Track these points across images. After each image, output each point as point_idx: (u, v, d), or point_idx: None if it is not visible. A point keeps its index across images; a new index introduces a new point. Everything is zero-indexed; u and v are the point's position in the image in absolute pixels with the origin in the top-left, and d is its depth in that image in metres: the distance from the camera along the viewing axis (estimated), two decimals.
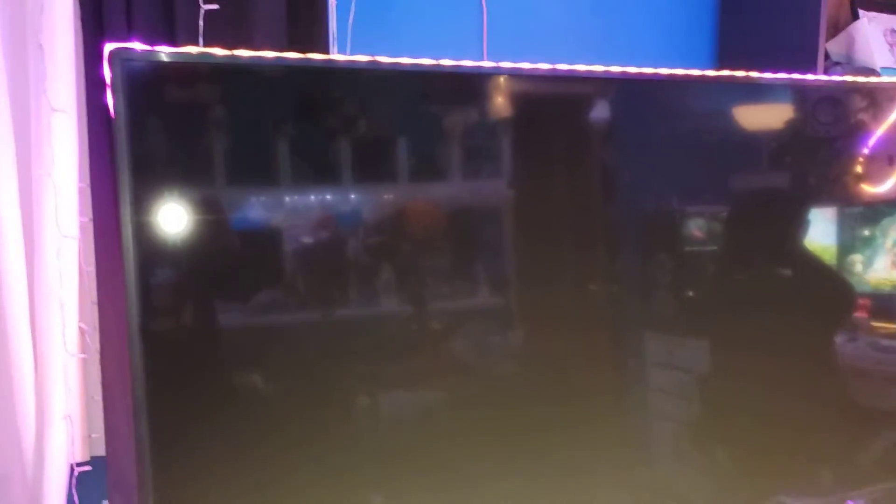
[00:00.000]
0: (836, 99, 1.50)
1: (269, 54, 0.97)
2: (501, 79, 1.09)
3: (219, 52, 0.94)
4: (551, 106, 1.18)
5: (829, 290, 1.50)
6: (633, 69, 1.19)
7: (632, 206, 1.29)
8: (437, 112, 1.10)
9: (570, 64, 1.12)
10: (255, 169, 1.02)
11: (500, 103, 1.12)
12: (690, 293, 1.35)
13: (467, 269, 1.14)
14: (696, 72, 1.33)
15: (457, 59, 1.06)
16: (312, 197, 1.06)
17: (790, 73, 1.44)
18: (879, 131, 1.46)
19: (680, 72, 1.26)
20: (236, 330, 1.02)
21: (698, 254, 1.35)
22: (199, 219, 0.95)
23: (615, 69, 1.17)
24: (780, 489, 1.42)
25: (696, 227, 1.36)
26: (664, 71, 1.23)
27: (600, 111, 1.22)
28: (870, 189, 1.49)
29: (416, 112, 1.10)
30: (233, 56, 0.94)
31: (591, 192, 1.25)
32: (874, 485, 1.51)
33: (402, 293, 1.12)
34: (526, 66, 1.08)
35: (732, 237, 1.38)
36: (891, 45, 2.02)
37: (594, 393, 1.24)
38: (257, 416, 1.02)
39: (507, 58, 1.10)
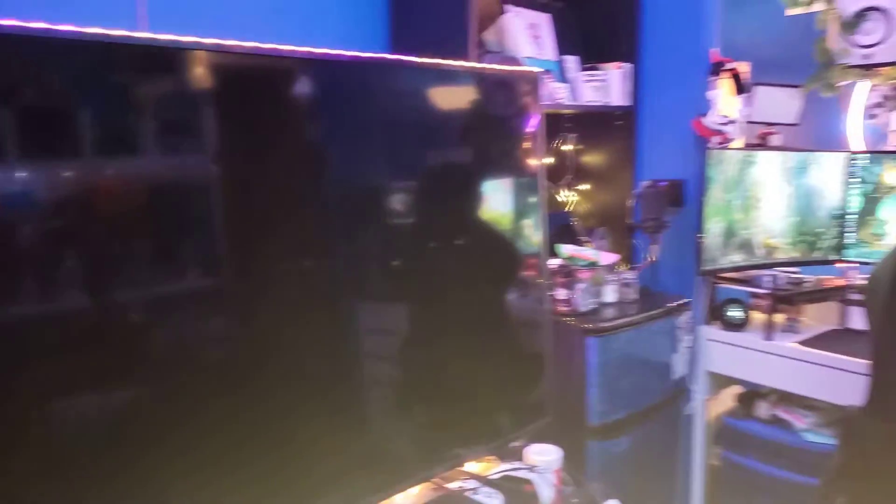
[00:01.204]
0: (495, 83, 1.72)
1: None
2: (198, 54, 1.03)
3: None
4: (249, 83, 1.15)
5: (501, 253, 1.73)
6: (333, 51, 1.22)
7: (331, 183, 1.33)
8: (124, 84, 0.99)
9: (243, 40, 1.10)
10: None
11: (197, 78, 1.05)
12: (393, 263, 1.45)
13: (170, 251, 1.06)
14: (393, 56, 1.41)
15: (110, 28, 0.96)
16: None
17: (450, 59, 1.60)
18: (531, 112, 1.71)
19: (377, 55, 1.33)
20: None
21: (396, 227, 1.45)
22: None
23: (317, 50, 1.18)
24: (461, 442, 1.56)
25: (391, 202, 1.45)
26: (365, 54, 1.28)
27: (302, 90, 1.23)
28: (534, 162, 1.75)
29: (97, 84, 0.98)
30: None
31: (293, 170, 1.26)
32: (534, 422, 1.79)
33: (91, 284, 0.99)
34: (229, 42, 1.04)
35: (422, 210, 1.51)
36: (533, 38, 2.36)
37: (314, 367, 1.26)
38: None
39: (169, 30, 1.04)
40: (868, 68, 2.37)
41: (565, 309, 2.13)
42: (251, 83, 1.16)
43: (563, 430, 2.01)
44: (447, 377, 1.57)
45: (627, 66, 2.49)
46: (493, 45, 2.28)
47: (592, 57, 2.50)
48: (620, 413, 2.15)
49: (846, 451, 1.70)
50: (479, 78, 1.67)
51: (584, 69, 2.46)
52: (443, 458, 1.52)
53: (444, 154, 1.63)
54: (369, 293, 1.42)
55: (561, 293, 2.13)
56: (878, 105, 2.43)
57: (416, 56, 1.47)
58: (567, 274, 2.15)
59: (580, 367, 2.06)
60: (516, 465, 1.58)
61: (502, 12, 2.28)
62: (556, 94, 2.31)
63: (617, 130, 2.60)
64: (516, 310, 1.81)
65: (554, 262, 2.17)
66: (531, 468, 1.53)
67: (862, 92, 2.54)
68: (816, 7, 2.45)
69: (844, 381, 2.01)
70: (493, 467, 1.60)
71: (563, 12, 2.54)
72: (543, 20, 2.41)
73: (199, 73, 1.06)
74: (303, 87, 1.25)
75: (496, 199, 1.68)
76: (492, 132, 1.71)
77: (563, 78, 2.41)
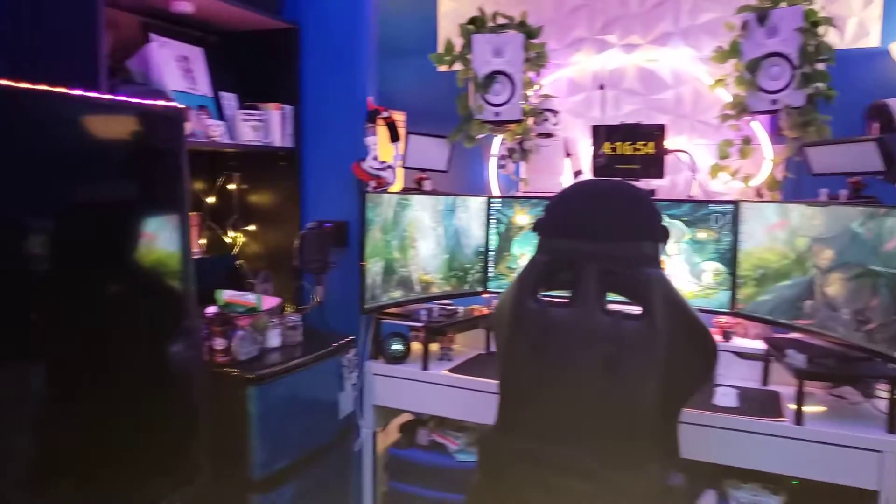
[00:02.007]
0: (133, 115, 1.58)
1: None
2: None
3: None
4: None
5: (146, 300, 1.57)
6: None
7: None
8: None
9: None
10: None
11: None
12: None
13: None
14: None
15: None
16: None
17: (79, 87, 1.44)
18: (174, 148, 1.60)
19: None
20: None
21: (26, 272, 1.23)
22: None
23: None
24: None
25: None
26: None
27: None
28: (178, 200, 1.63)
29: None
30: None
31: None
32: (190, 483, 1.66)
33: None
34: None
35: (52, 254, 1.31)
36: (183, 71, 2.24)
37: None
38: None
39: None
40: (498, 124, 2.71)
41: (224, 359, 2.02)
42: None
43: (224, 488, 1.90)
44: (91, 443, 1.39)
45: (288, 107, 2.50)
46: (139, 76, 2.11)
47: (251, 96, 2.47)
48: (286, 460, 2.10)
49: (483, 467, 1.87)
50: (109, 109, 1.52)
51: (243, 107, 2.41)
52: None
53: (73, 191, 1.44)
54: None
55: (218, 342, 2.02)
56: (505, 157, 2.79)
57: (45, 83, 1.28)
58: (225, 321, 2.05)
59: (241, 419, 1.97)
60: None
61: (147, 41, 2.12)
62: (212, 131, 2.22)
63: (282, 171, 2.59)
64: (168, 363, 1.66)
65: (211, 310, 2.05)
66: None
67: (496, 144, 2.90)
68: (458, 66, 2.74)
69: (487, 402, 2.22)
70: None
71: (219, 48, 2.47)
72: (196, 54, 2.30)
73: None
74: None
75: (137, 241, 1.54)
76: (129, 168, 1.56)
77: (220, 115, 2.33)
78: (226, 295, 2.14)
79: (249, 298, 2.16)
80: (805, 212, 2.08)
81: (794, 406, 1.91)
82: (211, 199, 2.57)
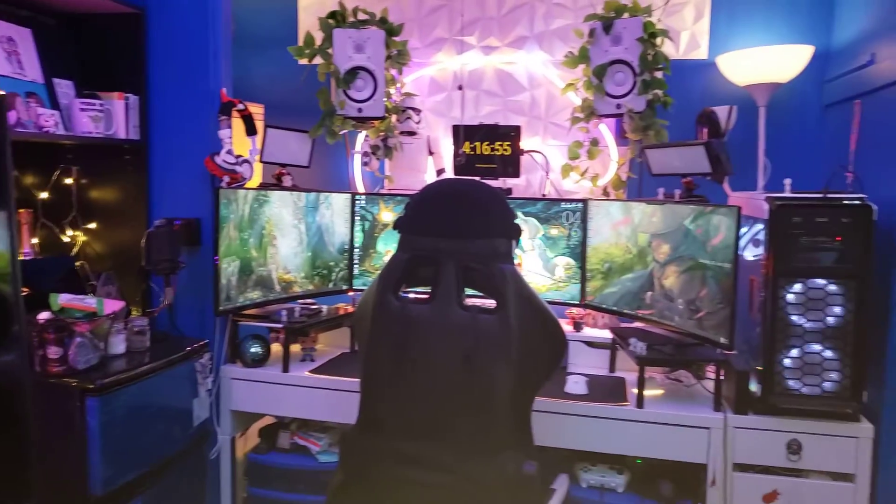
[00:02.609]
0: None
1: None
2: None
3: None
4: None
5: None
6: None
7: None
8: None
9: None
10: None
11: None
12: None
13: None
14: None
15: None
16: None
17: None
18: None
19: None
20: None
21: None
22: None
23: None
24: None
25: None
26: None
27: None
28: None
29: None
30: None
31: None
32: None
33: None
34: None
35: None
36: (8, 53, 2.04)
37: None
38: None
39: None
40: (361, 120, 2.69)
41: (59, 369, 1.86)
42: None
43: None
44: None
45: (133, 97, 2.34)
46: None
47: (92, 84, 2.29)
48: (133, 473, 1.97)
49: (344, 467, 1.85)
50: None
51: (82, 97, 2.23)
52: None
53: None
54: None
55: (52, 350, 1.86)
56: (369, 153, 2.78)
57: None
58: (61, 328, 1.88)
59: (79, 433, 1.82)
60: None
61: None
62: (44, 121, 2.04)
63: (127, 165, 2.42)
64: None
65: (43, 316, 1.88)
66: None
67: (359, 141, 2.88)
68: (319, 60, 2.68)
69: (351, 402, 2.20)
70: None
71: (55, 30, 2.27)
72: (24, 35, 2.10)
73: None
74: None
75: None
76: None
77: (54, 104, 2.14)
78: (62, 299, 1.97)
79: (89, 302, 2.00)
80: (645, 209, 2.23)
81: (636, 391, 2.05)
82: (44, 195, 2.36)
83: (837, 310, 1.85)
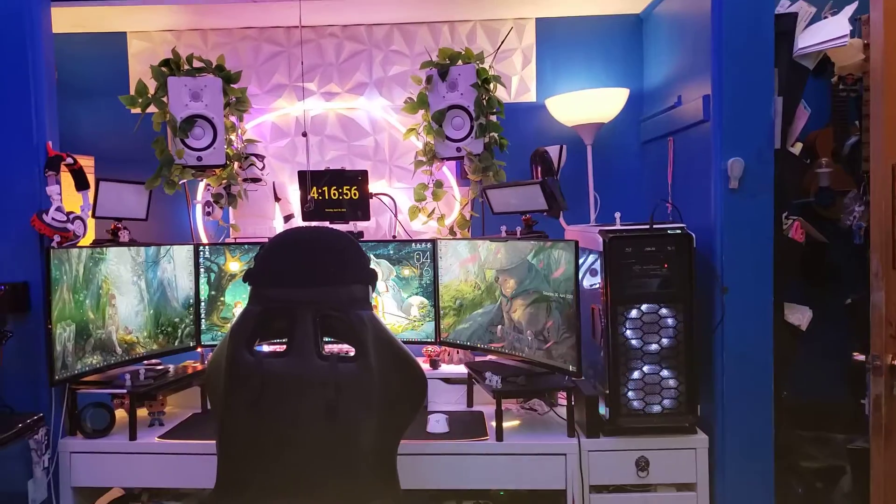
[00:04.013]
0: None
1: None
2: None
3: None
4: None
5: None
6: None
7: None
8: None
9: None
10: None
11: None
12: None
13: None
14: None
15: None
16: None
17: None
18: None
19: None
20: None
21: None
22: None
23: None
24: None
25: None
26: None
27: None
28: None
29: None
30: None
31: None
32: None
33: None
34: None
35: None
36: None
37: None
38: None
39: None
40: (202, 169, 2.61)
41: None
42: None
43: None
44: None
45: None
46: None
47: None
48: None
49: None
50: None
51: None
52: None
53: None
54: None
55: None
56: (211, 202, 2.70)
57: None
58: None
59: None
60: None
61: None
62: None
63: None
64: None
65: None
66: None
67: (200, 190, 2.79)
68: (153, 109, 2.58)
69: (206, 465, 2.11)
70: None
71: None
72: None
73: None
74: None
75: None
76: None
77: None
78: None
79: None
80: (490, 246, 2.36)
81: (494, 423, 2.14)
82: None
83: (670, 332, 2.05)
